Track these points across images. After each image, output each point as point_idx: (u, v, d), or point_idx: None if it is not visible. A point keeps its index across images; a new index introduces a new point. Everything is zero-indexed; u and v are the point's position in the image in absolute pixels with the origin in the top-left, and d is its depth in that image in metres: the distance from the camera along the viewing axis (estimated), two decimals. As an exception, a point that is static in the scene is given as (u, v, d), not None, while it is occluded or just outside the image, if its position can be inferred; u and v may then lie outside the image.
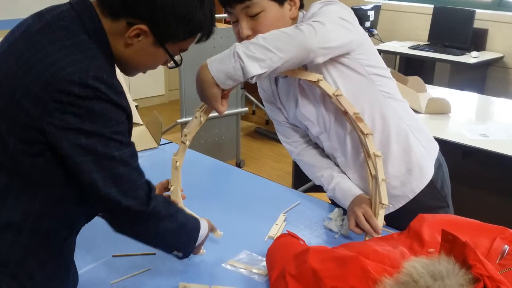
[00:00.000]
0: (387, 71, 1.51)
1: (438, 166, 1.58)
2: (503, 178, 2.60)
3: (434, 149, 1.59)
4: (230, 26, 1.48)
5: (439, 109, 2.85)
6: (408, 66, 4.86)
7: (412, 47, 4.72)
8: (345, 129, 1.48)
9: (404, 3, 5.28)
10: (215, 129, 4.10)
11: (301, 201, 1.75)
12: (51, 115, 0.97)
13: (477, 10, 4.52)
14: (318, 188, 1.68)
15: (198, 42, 1.14)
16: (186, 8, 1.05)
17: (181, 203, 1.43)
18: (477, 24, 4.53)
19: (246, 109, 4.29)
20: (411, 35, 5.08)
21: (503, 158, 2.38)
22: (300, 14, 1.45)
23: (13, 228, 1.04)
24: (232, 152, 4.28)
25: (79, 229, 1.20)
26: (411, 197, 1.53)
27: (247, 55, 1.23)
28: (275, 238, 1.41)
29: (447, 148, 2.46)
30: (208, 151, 4.00)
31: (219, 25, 3.66)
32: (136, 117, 2.33)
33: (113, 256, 1.41)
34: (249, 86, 3.87)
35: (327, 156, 1.61)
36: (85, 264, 1.36)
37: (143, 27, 1.03)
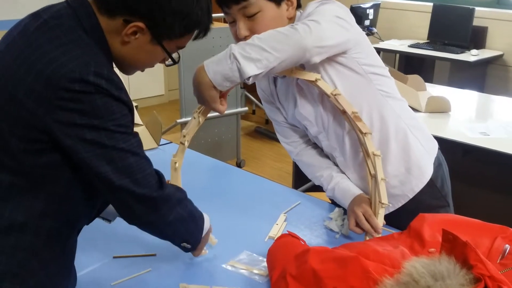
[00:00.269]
0: (385, 70, 1.50)
1: (438, 165, 1.57)
2: (503, 176, 2.60)
3: (434, 148, 1.59)
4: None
5: (439, 108, 2.85)
6: (407, 65, 4.87)
7: (411, 46, 4.72)
8: (344, 129, 1.48)
9: (403, 1, 5.28)
10: (215, 129, 4.10)
11: (301, 201, 1.75)
12: (55, 112, 0.97)
13: (477, 8, 4.52)
14: (318, 188, 1.67)
15: (195, 38, 1.14)
16: (182, 4, 1.05)
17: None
18: (476, 22, 4.53)
19: (246, 108, 4.28)
20: (411, 34, 5.08)
21: (503, 156, 2.37)
22: (298, 13, 1.45)
23: (16, 229, 1.04)
24: (232, 152, 4.28)
25: (81, 229, 1.21)
26: (411, 196, 1.52)
27: (243, 56, 1.23)
28: (275, 238, 1.41)
29: (447, 146, 2.45)
30: (208, 151, 4.00)
31: (218, 25, 3.65)
32: (135, 118, 2.32)
33: (114, 257, 1.41)
34: (249, 86, 3.88)
35: (327, 156, 1.61)
36: (86, 265, 1.36)
37: (140, 24, 1.03)
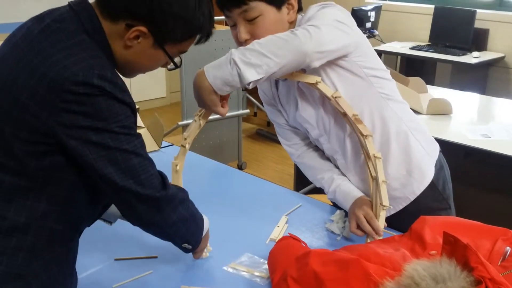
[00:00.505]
0: (386, 73, 1.50)
1: (439, 167, 1.57)
2: (504, 178, 2.60)
3: (435, 150, 1.58)
4: (230, 28, 1.48)
5: (440, 110, 2.85)
6: (409, 67, 4.87)
7: (413, 48, 4.72)
8: (345, 131, 1.48)
9: (404, 3, 5.28)
10: (216, 131, 4.10)
11: (302, 203, 1.75)
12: (59, 115, 0.98)
13: (478, 10, 4.52)
14: (320, 190, 1.67)
15: (197, 43, 1.14)
16: (184, 9, 1.06)
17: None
18: (478, 24, 4.53)
19: (247, 111, 4.28)
20: (412, 36, 5.08)
21: (504, 158, 2.37)
22: (299, 16, 1.45)
23: (18, 231, 1.04)
24: (233, 154, 4.28)
25: (82, 231, 1.21)
26: (412, 199, 1.52)
27: (243, 61, 1.23)
28: (276, 240, 1.41)
29: (449, 148, 2.45)
30: (210, 153, 4.00)
31: (220, 27, 3.66)
32: (137, 120, 2.33)
33: (115, 259, 1.41)
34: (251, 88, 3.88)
35: (328, 159, 1.61)
36: (87, 268, 1.37)
37: (143, 28, 1.04)
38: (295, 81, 1.46)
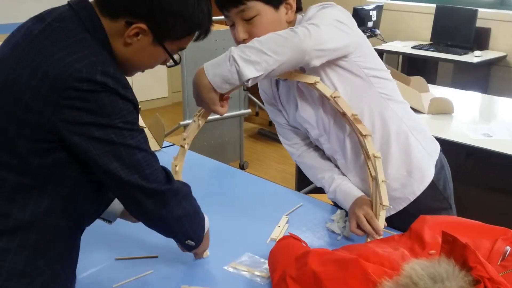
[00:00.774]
0: (386, 73, 1.50)
1: (440, 167, 1.57)
2: (506, 178, 2.59)
3: (435, 150, 1.58)
4: (231, 28, 1.48)
5: (442, 109, 2.84)
6: (410, 66, 4.86)
7: (414, 47, 4.72)
8: (345, 131, 1.48)
9: (406, 2, 5.27)
10: (218, 131, 4.10)
11: (303, 203, 1.75)
12: (62, 112, 0.98)
13: (480, 9, 4.51)
14: (321, 190, 1.67)
15: (196, 40, 1.15)
16: (184, 6, 1.07)
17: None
18: (479, 23, 4.52)
19: (249, 110, 4.29)
20: (414, 35, 5.07)
21: (506, 158, 2.37)
22: (299, 16, 1.45)
23: (23, 228, 1.05)
24: (235, 154, 4.28)
25: (84, 228, 1.21)
26: (412, 199, 1.52)
27: (242, 58, 1.23)
28: (277, 240, 1.41)
29: (450, 148, 2.44)
30: (212, 153, 4.00)
31: (220, 27, 3.66)
32: (139, 119, 2.33)
33: (116, 259, 1.41)
34: (252, 87, 3.89)
35: (328, 158, 1.61)
36: (87, 267, 1.37)
37: (142, 26, 1.05)
38: (295, 81, 1.46)
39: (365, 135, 1.38)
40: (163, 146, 2.24)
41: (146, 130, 2.28)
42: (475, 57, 4.35)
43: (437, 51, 4.55)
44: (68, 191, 1.08)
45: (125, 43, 1.07)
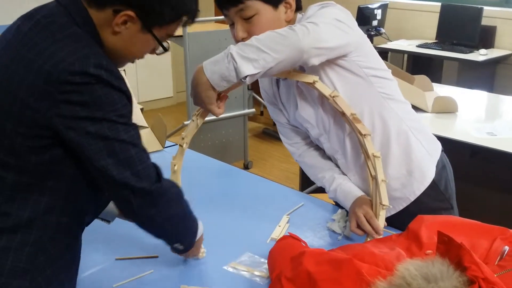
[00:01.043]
0: (387, 73, 1.50)
1: (441, 167, 1.56)
2: (511, 177, 2.58)
3: (436, 150, 1.57)
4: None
5: (446, 108, 2.83)
6: (416, 65, 4.84)
7: (419, 46, 4.70)
8: (345, 131, 1.47)
9: (411, 1, 5.25)
10: (222, 130, 4.11)
11: (304, 203, 1.75)
12: (58, 106, 0.99)
13: (485, 7, 4.49)
14: (324, 189, 1.67)
15: (184, 25, 1.15)
16: None
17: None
18: (485, 22, 4.50)
19: (253, 110, 4.28)
20: (419, 34, 5.05)
21: (510, 157, 2.35)
22: (299, 16, 1.45)
23: (23, 226, 1.06)
24: (239, 153, 4.28)
25: (85, 225, 1.22)
26: (412, 199, 1.52)
27: (240, 55, 1.23)
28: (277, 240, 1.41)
29: (454, 147, 2.44)
30: (216, 152, 4.00)
31: (225, 27, 3.66)
32: (141, 120, 2.34)
33: (116, 259, 1.42)
34: (257, 87, 3.86)
35: (329, 158, 1.61)
36: (88, 267, 1.37)
37: (130, 13, 1.05)
38: (295, 80, 1.46)
39: (365, 135, 1.38)
40: (165, 146, 2.25)
41: (148, 130, 2.29)
42: (481, 55, 4.33)
43: (442, 49, 4.53)
44: (67, 188, 1.08)
45: (113, 32, 1.07)
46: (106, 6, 1.05)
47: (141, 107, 2.48)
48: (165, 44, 1.15)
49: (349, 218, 1.47)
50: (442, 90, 3.27)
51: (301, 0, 1.47)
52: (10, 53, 1.05)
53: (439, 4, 4.79)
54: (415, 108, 2.77)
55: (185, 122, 3.87)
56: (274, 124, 1.67)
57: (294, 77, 1.38)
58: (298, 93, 1.50)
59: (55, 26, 1.04)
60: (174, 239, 1.25)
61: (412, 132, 1.50)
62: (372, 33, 4.94)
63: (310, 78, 1.35)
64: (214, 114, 1.32)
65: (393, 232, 1.46)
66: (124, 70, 2.51)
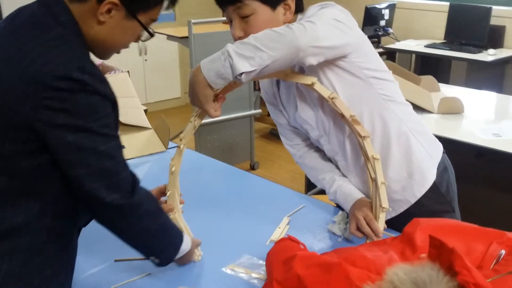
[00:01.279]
0: (387, 74, 1.48)
1: (443, 169, 1.55)
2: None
3: (437, 152, 1.56)
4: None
5: (452, 109, 2.81)
6: (424, 65, 4.81)
7: (428, 46, 4.67)
8: (344, 133, 1.47)
9: (419, 0, 5.22)
10: (229, 131, 4.10)
11: (306, 204, 1.75)
12: (39, 112, 0.98)
13: (494, 7, 4.45)
14: (325, 191, 1.67)
15: (167, 8, 1.16)
16: None
17: (179, 208, 1.43)
18: (494, 21, 4.46)
19: (260, 110, 4.28)
20: (427, 34, 5.02)
21: (516, 158, 2.33)
22: (299, 16, 1.45)
23: (16, 231, 1.06)
24: (246, 154, 4.28)
25: (81, 225, 1.22)
26: (413, 201, 1.50)
27: (236, 53, 1.23)
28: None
29: (460, 148, 2.42)
30: (223, 153, 4.01)
31: (227, 28, 3.67)
32: (144, 121, 2.35)
33: (115, 260, 1.42)
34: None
35: (329, 159, 1.60)
36: (87, 268, 1.38)
37: (114, 0, 1.05)
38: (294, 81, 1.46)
39: (364, 137, 1.37)
40: (169, 147, 2.25)
41: (152, 132, 2.30)
42: (489, 55, 4.29)
43: (451, 49, 4.50)
44: (58, 192, 1.08)
45: (98, 22, 1.07)
46: None
47: (145, 108, 2.49)
48: (150, 30, 1.15)
49: (349, 220, 1.46)
50: (449, 90, 3.25)
51: (302, 2, 1.46)
52: None
53: (448, 3, 4.75)
54: (421, 109, 2.77)
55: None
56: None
57: (292, 78, 1.37)
58: (298, 94, 1.49)
59: (39, 28, 1.04)
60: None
61: (412, 134, 1.49)
62: (380, 33, 4.92)
63: (308, 80, 1.35)
64: (209, 115, 1.32)
65: (392, 234, 1.45)
66: (128, 72, 2.52)
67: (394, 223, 1.50)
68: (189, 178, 1.48)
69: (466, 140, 2.47)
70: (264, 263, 1.34)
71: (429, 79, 3.14)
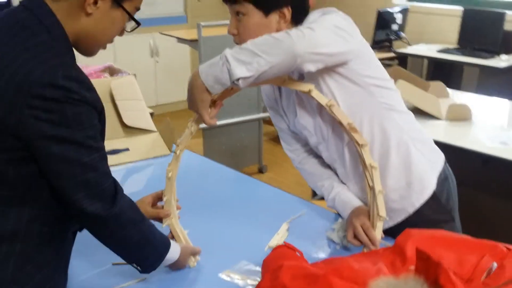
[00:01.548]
0: (389, 82, 1.47)
1: (443, 178, 1.53)
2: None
3: (438, 162, 1.54)
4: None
5: (460, 116, 2.77)
6: (436, 70, 4.77)
7: (440, 51, 4.62)
8: (343, 140, 1.46)
9: (432, 5, 5.18)
10: (237, 134, 4.10)
11: (306, 211, 1.75)
12: (25, 121, 0.99)
13: (508, 12, 4.40)
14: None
15: None
16: None
17: (175, 214, 1.44)
18: (507, 26, 4.41)
19: (268, 114, 4.27)
20: (440, 38, 4.98)
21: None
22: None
23: (7, 239, 1.07)
24: (254, 158, 4.28)
25: (76, 229, 1.23)
26: (411, 211, 1.49)
27: (234, 58, 1.24)
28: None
29: (466, 155, 2.40)
30: (230, 156, 4.01)
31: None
32: (149, 124, 2.36)
33: (113, 264, 1.43)
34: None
35: (328, 166, 1.60)
36: (84, 272, 1.39)
37: None
38: (294, 88, 1.45)
39: (362, 145, 1.36)
40: (173, 150, 2.26)
41: (157, 135, 2.31)
42: (502, 61, 4.24)
43: (463, 54, 4.45)
44: (48, 199, 1.09)
45: (86, 14, 1.08)
46: None
47: (151, 111, 2.50)
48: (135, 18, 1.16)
49: (346, 228, 1.46)
50: (459, 97, 3.21)
51: (303, 15, 1.43)
52: None
53: (461, 8, 4.71)
54: (428, 115, 2.74)
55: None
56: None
57: (289, 85, 1.37)
58: (298, 100, 1.49)
59: (24, 34, 1.04)
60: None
61: (413, 143, 1.48)
62: (392, 37, 4.89)
63: (305, 87, 1.34)
64: (204, 121, 1.33)
65: (390, 243, 1.44)
66: (134, 75, 2.54)
67: (394, 232, 1.48)
68: (188, 182, 1.49)
69: (472, 147, 2.44)
70: (261, 269, 1.34)
71: (437, 84, 3.11)
